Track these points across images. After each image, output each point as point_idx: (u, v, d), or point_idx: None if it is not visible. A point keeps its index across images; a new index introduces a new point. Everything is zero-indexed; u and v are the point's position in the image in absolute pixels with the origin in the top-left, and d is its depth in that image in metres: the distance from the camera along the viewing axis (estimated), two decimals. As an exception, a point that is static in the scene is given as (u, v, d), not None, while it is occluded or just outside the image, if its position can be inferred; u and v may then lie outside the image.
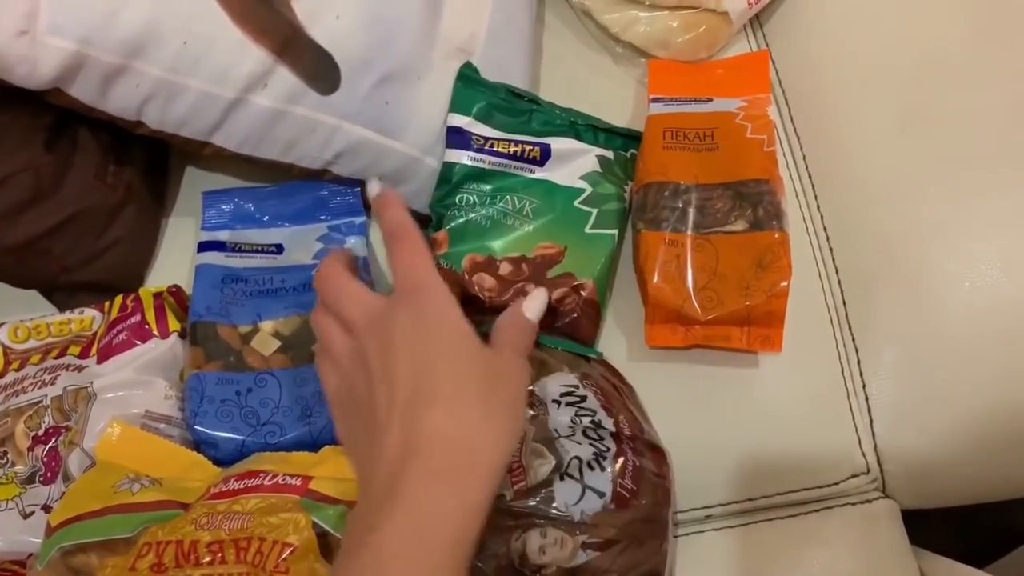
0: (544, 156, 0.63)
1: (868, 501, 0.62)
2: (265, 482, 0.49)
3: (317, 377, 0.55)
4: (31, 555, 0.52)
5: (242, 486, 0.49)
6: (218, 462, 0.54)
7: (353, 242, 0.64)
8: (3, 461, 0.56)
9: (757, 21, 0.75)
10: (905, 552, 0.61)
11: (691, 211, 0.59)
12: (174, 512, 0.49)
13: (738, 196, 0.59)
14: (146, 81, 0.54)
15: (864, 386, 0.62)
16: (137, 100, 0.56)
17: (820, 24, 0.73)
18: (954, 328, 0.62)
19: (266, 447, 0.55)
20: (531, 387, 0.53)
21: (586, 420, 0.52)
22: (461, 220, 0.61)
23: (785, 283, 0.56)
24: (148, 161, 0.67)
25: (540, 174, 0.63)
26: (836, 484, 0.61)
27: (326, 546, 0.45)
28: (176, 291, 0.63)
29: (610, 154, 0.64)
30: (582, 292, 0.60)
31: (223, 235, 0.64)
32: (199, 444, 0.55)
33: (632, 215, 0.62)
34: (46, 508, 0.54)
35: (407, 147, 0.60)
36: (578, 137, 0.64)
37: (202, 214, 0.65)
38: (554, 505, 0.49)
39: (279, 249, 0.64)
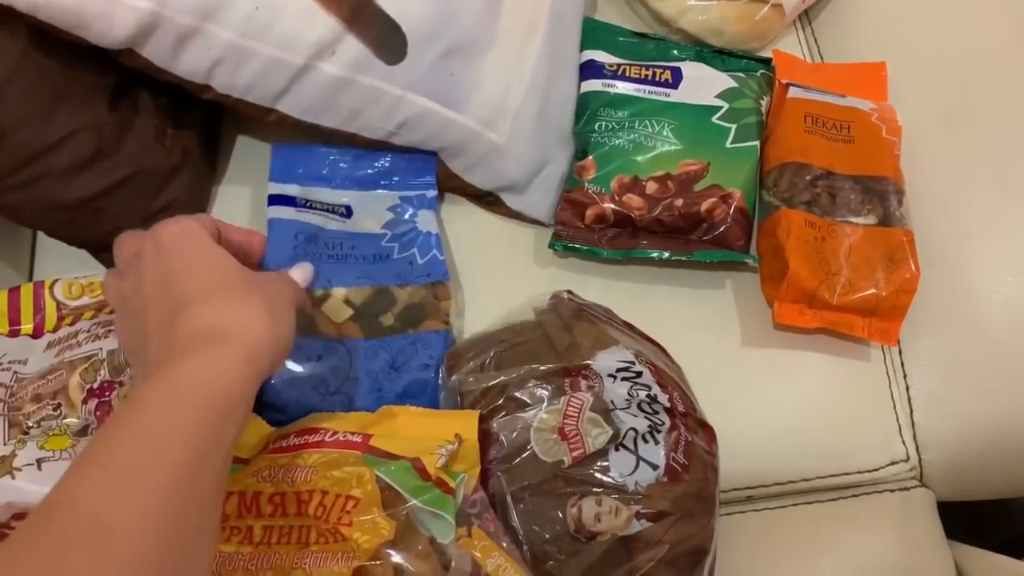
0: (676, 79, 0.66)
1: (906, 489, 0.62)
2: (326, 438, 0.49)
3: (387, 351, 0.56)
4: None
5: (303, 441, 0.49)
6: (281, 424, 0.54)
7: (423, 216, 0.63)
8: (57, 413, 0.56)
9: (806, 16, 0.76)
10: (940, 541, 0.62)
11: (825, 197, 0.60)
12: (233, 466, 0.50)
13: (867, 190, 0.61)
14: (217, 44, 0.55)
15: (905, 376, 0.63)
16: (207, 63, 0.56)
17: (867, 21, 0.74)
18: (995, 323, 0.62)
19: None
20: (587, 360, 0.54)
21: (642, 394, 0.53)
22: (604, 145, 0.64)
23: (914, 280, 0.57)
24: (204, 127, 0.68)
25: (675, 97, 0.65)
26: (876, 470, 0.61)
27: (388, 501, 0.45)
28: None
29: (741, 73, 0.67)
30: (731, 201, 0.61)
31: (292, 189, 0.62)
32: (266, 408, 0.54)
33: (763, 190, 0.63)
34: (99, 460, 0.54)
35: (469, 120, 0.61)
36: (706, 63, 0.67)
37: (271, 165, 0.62)
38: (609, 474, 0.50)
39: (348, 212, 0.62)
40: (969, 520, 0.71)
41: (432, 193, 0.64)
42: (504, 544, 0.47)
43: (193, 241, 0.44)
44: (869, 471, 0.61)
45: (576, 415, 0.51)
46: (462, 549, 0.45)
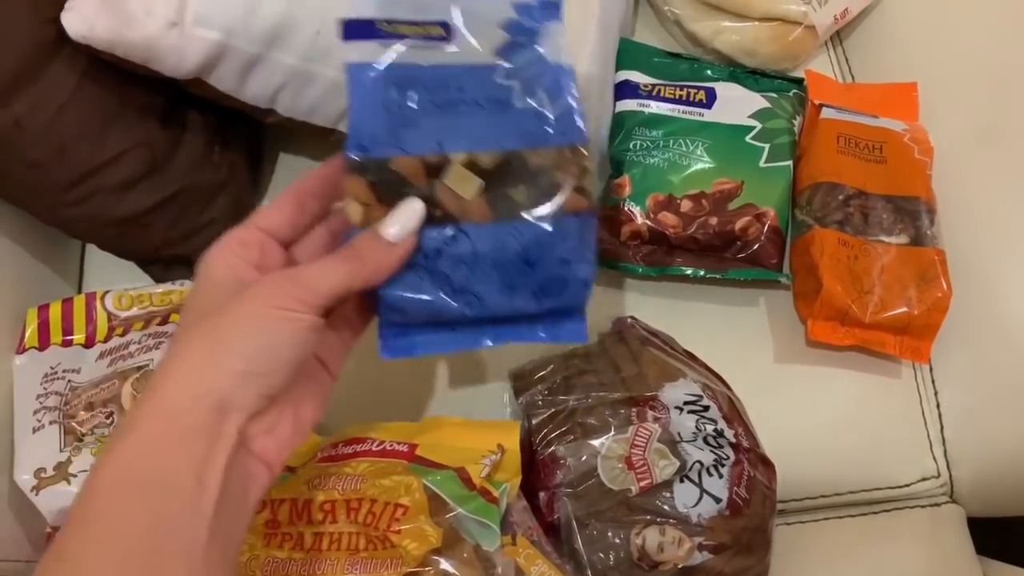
0: (710, 99, 0.68)
1: (937, 505, 0.63)
2: (373, 448, 0.51)
3: (519, 239, 0.43)
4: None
5: (351, 451, 0.51)
6: (403, 329, 0.44)
7: (551, 32, 0.45)
8: (109, 421, 0.58)
9: (838, 36, 0.78)
10: (970, 557, 0.63)
11: (858, 216, 0.62)
12: (283, 475, 0.51)
13: (899, 210, 0.62)
14: (281, 70, 0.57)
15: (936, 392, 0.64)
16: (271, 88, 0.58)
17: (898, 42, 0.75)
18: (1026, 340, 0.63)
19: (463, 319, 0.43)
20: (654, 391, 0.55)
21: (709, 428, 0.54)
22: (639, 164, 0.65)
23: (946, 299, 0.58)
24: (249, 145, 0.70)
25: (709, 117, 0.67)
26: (906, 486, 0.62)
27: (434, 509, 0.47)
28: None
29: (774, 94, 0.68)
30: (765, 220, 0.63)
31: (368, 8, 0.43)
32: (387, 309, 0.43)
33: (796, 209, 0.65)
34: (151, 467, 0.56)
35: None
36: (740, 83, 0.69)
37: None
38: (674, 505, 0.51)
39: (446, 32, 0.44)
40: (996, 534, 0.72)
41: None
42: (547, 552, 0.48)
43: (204, 267, 0.41)
44: (900, 487, 0.62)
45: (644, 445, 0.52)
46: (507, 556, 0.47)
